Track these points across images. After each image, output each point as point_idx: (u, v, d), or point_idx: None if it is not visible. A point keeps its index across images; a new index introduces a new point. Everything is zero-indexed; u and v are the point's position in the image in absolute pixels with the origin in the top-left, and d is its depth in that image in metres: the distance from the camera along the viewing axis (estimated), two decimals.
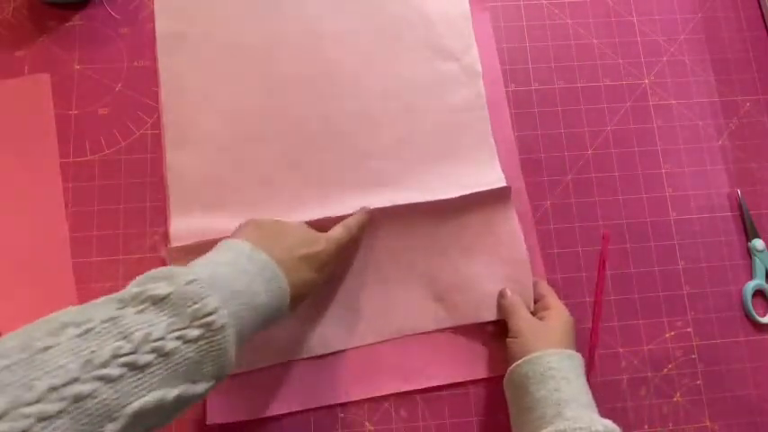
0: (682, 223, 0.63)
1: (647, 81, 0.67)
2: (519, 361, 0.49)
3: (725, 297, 0.61)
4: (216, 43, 0.63)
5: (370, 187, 0.60)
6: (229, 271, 0.41)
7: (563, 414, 0.45)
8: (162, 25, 0.63)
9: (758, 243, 0.62)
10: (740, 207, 0.63)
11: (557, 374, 0.47)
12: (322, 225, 0.56)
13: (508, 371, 0.50)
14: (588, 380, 0.49)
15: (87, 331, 0.34)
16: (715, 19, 0.69)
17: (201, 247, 0.56)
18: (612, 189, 0.63)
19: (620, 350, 0.59)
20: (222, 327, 0.37)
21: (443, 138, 0.62)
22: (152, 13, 0.64)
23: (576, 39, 0.67)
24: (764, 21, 0.70)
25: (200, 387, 0.37)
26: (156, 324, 0.35)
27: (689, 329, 0.60)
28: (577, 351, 0.51)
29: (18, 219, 0.58)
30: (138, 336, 0.34)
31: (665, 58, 0.68)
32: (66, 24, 0.64)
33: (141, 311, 0.36)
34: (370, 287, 0.58)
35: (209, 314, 0.37)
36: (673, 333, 0.60)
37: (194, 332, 0.36)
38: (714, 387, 0.59)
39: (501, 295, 0.57)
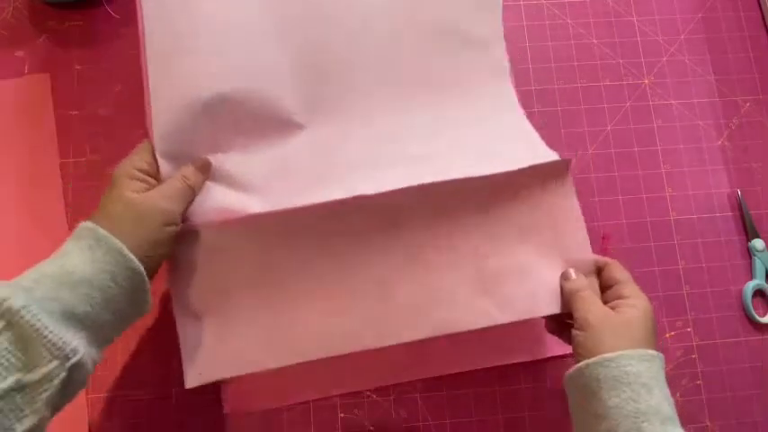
0: (682, 223, 0.63)
1: (647, 81, 0.67)
2: (588, 361, 0.41)
3: (725, 297, 0.61)
4: None
5: (399, 165, 0.51)
6: (34, 268, 0.39)
7: (642, 430, 0.38)
8: None
9: (758, 243, 0.62)
10: (740, 207, 0.63)
11: (634, 381, 0.40)
12: (352, 212, 0.48)
13: (573, 368, 0.43)
14: None
15: None
16: (715, 19, 0.69)
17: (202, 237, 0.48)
18: (612, 189, 0.63)
19: None
20: (22, 308, 0.35)
21: (475, 115, 0.55)
22: None
23: (576, 39, 0.67)
24: (764, 21, 0.70)
25: (38, 373, 0.35)
26: None
27: (689, 329, 0.60)
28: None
29: (18, 219, 0.58)
30: None
31: (665, 58, 0.68)
32: (66, 24, 0.64)
33: None
34: (405, 276, 0.49)
35: (4, 301, 0.35)
36: (673, 333, 0.60)
37: None
38: (714, 387, 0.59)
39: (564, 277, 0.48)
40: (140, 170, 0.45)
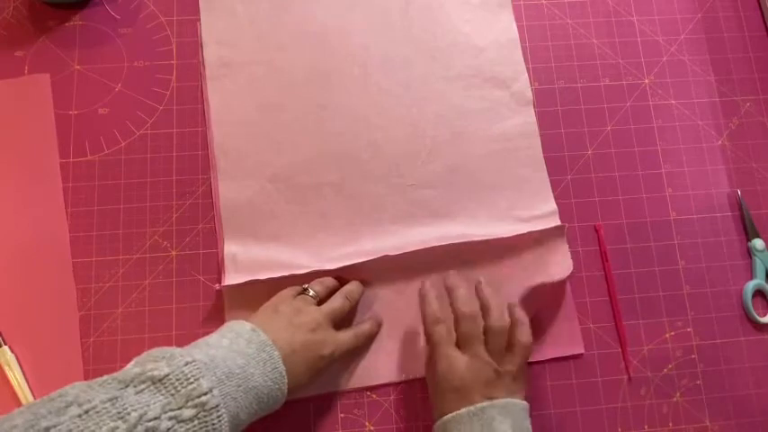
0: (682, 223, 0.63)
1: (647, 81, 0.67)
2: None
3: (725, 297, 0.61)
4: (265, 72, 0.63)
5: (422, 218, 0.60)
6: (226, 353, 0.43)
7: None
8: (209, 52, 0.63)
9: (758, 243, 0.62)
10: (740, 207, 0.63)
11: None
12: (378, 266, 0.56)
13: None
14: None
15: (88, 411, 0.36)
16: (715, 19, 0.69)
17: (256, 287, 0.55)
18: (612, 189, 0.63)
19: (621, 350, 0.59)
20: (215, 407, 0.39)
21: (494, 166, 0.62)
22: (152, 12, 0.64)
23: (576, 39, 0.67)
24: (764, 21, 0.70)
25: None
26: (153, 405, 0.38)
27: (689, 329, 0.60)
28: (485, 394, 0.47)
29: (18, 219, 0.58)
30: (133, 416, 0.37)
31: (665, 58, 0.68)
32: (66, 24, 0.64)
33: (140, 392, 0.38)
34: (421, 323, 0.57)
35: (204, 394, 0.39)
36: (673, 333, 0.60)
37: (188, 412, 0.38)
38: (714, 387, 0.59)
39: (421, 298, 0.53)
40: (336, 316, 0.53)
